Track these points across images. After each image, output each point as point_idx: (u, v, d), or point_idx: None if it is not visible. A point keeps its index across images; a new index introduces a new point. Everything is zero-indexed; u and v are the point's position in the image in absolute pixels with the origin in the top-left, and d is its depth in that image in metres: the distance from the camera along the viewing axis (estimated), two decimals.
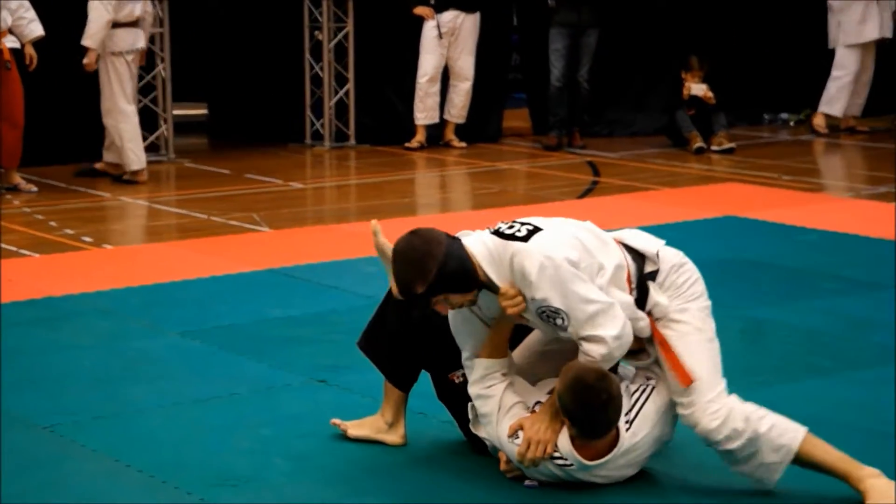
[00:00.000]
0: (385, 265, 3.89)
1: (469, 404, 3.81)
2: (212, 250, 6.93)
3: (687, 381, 3.62)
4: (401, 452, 3.98)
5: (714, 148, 10.75)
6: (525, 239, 3.53)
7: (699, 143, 10.71)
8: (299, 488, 3.72)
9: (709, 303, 3.74)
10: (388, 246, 3.83)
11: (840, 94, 11.72)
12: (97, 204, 8.48)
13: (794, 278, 6.30)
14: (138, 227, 7.89)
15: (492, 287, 3.56)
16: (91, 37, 8.80)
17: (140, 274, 6.31)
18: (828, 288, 6.08)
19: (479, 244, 3.56)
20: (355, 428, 4.04)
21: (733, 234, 7.40)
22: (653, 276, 3.69)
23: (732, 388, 4.54)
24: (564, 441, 3.57)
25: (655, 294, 3.67)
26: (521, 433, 3.59)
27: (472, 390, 3.70)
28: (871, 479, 3.63)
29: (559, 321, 3.51)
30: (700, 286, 3.75)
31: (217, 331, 5.34)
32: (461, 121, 10.93)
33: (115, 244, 7.24)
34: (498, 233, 3.59)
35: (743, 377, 4.70)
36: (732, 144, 10.81)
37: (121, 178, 9.12)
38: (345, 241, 7.21)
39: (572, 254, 3.53)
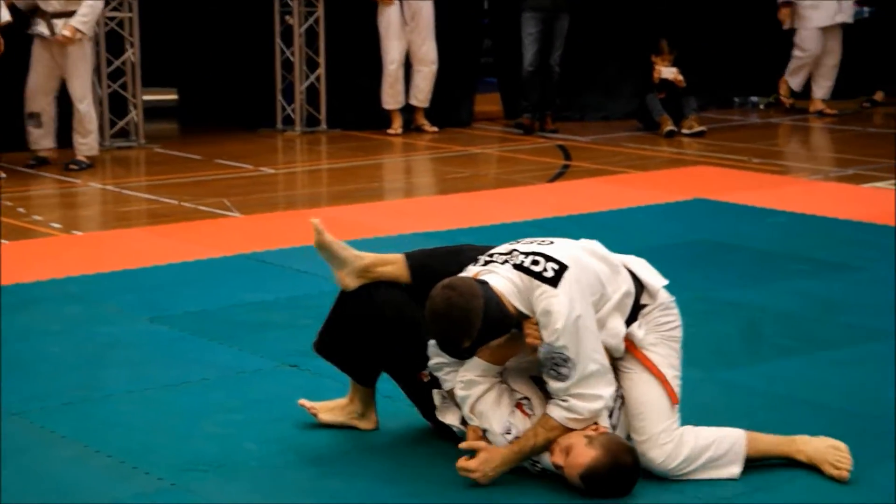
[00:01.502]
0: (329, 262, 3.88)
1: (434, 391, 3.79)
2: (182, 236, 6.91)
3: (675, 399, 3.68)
4: (371, 436, 3.98)
5: (685, 131, 10.78)
6: (554, 281, 3.50)
7: (670, 127, 10.74)
8: (270, 472, 3.72)
9: (681, 353, 3.78)
10: (334, 242, 3.85)
11: (799, 71, 12.02)
12: (66, 190, 8.43)
13: (763, 260, 6.33)
14: (108, 212, 7.85)
15: (521, 318, 3.55)
16: (90, 24, 8.80)
17: (110, 260, 6.28)
18: (797, 270, 6.11)
19: (505, 282, 3.52)
20: (326, 413, 4.03)
21: (703, 216, 7.44)
22: (643, 308, 3.73)
23: (704, 369, 4.59)
24: (545, 459, 3.59)
25: (636, 326, 3.70)
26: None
27: (465, 376, 3.64)
28: (808, 446, 3.71)
29: (563, 370, 3.50)
30: (679, 332, 3.78)
31: (188, 316, 5.32)
32: (426, 105, 10.93)
33: (84, 230, 7.20)
34: (522, 268, 3.54)
35: (713, 358, 4.73)
36: (703, 128, 10.85)
37: (73, 166, 8.99)
38: None
39: (592, 297, 3.55)
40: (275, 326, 5.18)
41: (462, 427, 3.76)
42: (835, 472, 3.66)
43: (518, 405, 3.66)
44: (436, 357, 3.70)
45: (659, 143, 10.50)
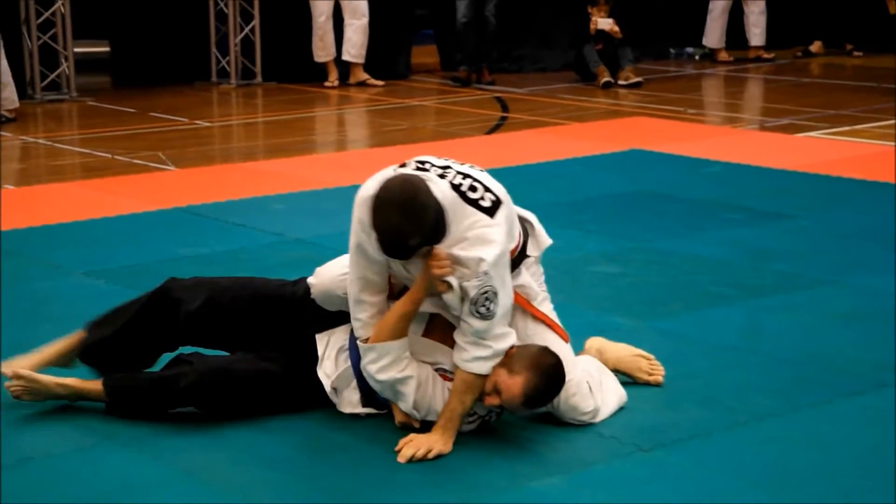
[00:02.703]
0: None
1: (325, 383, 3.66)
2: (117, 190, 6.83)
3: (566, 337, 3.67)
4: None
5: (621, 82, 10.82)
6: (491, 212, 3.41)
7: (606, 78, 10.77)
8: (205, 422, 3.70)
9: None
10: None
11: (712, 25, 12.26)
12: None
13: (698, 210, 6.39)
14: (40, 166, 7.74)
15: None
16: None
17: (43, 214, 6.20)
18: (731, 219, 6.18)
19: (438, 191, 3.40)
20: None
21: (639, 167, 7.48)
22: (528, 258, 3.68)
23: (640, 318, 4.64)
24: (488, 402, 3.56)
25: (526, 274, 3.66)
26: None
27: (384, 376, 3.50)
28: (609, 354, 3.90)
29: (492, 307, 3.38)
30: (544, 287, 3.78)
31: (123, 270, 5.27)
32: (361, 60, 10.86)
33: (16, 184, 7.09)
34: (459, 191, 3.42)
35: (649, 308, 4.79)
36: (639, 79, 10.89)
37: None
38: (252, 179, 7.15)
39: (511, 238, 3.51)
40: None
41: (366, 409, 3.67)
42: (650, 378, 3.86)
43: (441, 375, 3.59)
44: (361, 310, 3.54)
45: (596, 94, 10.53)
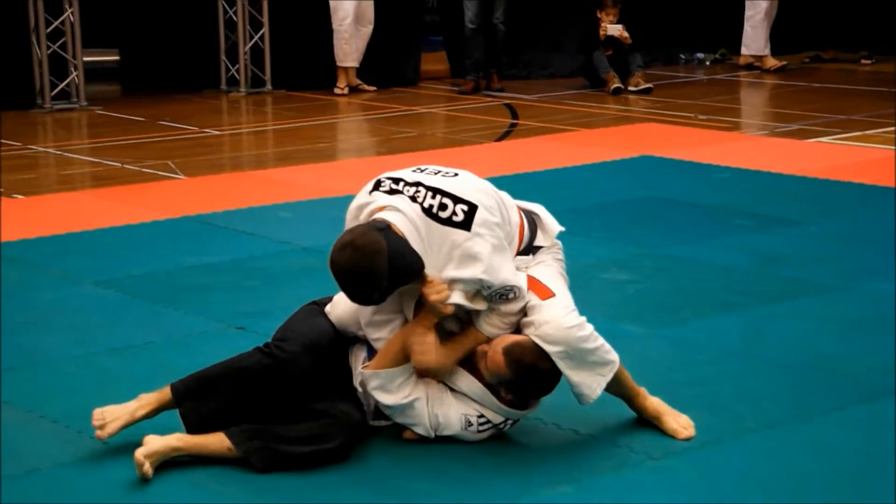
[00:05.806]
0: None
1: (364, 393, 3.59)
2: (126, 198, 6.84)
3: (547, 293, 3.55)
4: None
5: (631, 88, 10.81)
6: (467, 225, 3.40)
7: (616, 84, 10.76)
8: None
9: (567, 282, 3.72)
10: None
11: (756, 32, 11.98)
12: (7, 153, 8.30)
13: (708, 216, 6.38)
14: (50, 175, 7.75)
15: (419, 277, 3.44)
16: None
17: (52, 223, 6.21)
18: (741, 225, 6.16)
19: (407, 224, 3.39)
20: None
21: (649, 173, 7.47)
22: (538, 249, 3.67)
23: (649, 325, 4.63)
24: (497, 409, 3.56)
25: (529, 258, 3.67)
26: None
27: (389, 400, 3.51)
28: (653, 399, 3.68)
29: (510, 295, 3.45)
30: (563, 263, 3.74)
31: (132, 280, 5.28)
32: (358, 64, 10.92)
33: (26, 194, 7.10)
34: (430, 213, 3.41)
35: (658, 315, 4.77)
36: (649, 85, 10.88)
37: None
38: (261, 187, 7.15)
39: (500, 228, 3.47)
40: (220, 289, 5.15)
41: (377, 422, 3.65)
42: (682, 433, 3.61)
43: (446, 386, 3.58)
44: (368, 329, 3.59)
45: (605, 100, 10.52)
